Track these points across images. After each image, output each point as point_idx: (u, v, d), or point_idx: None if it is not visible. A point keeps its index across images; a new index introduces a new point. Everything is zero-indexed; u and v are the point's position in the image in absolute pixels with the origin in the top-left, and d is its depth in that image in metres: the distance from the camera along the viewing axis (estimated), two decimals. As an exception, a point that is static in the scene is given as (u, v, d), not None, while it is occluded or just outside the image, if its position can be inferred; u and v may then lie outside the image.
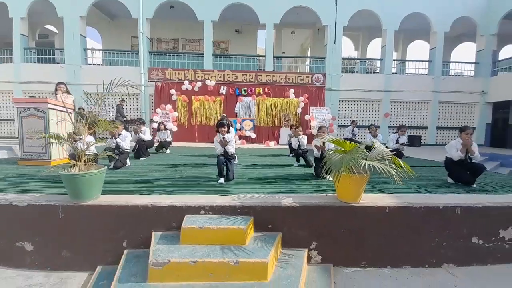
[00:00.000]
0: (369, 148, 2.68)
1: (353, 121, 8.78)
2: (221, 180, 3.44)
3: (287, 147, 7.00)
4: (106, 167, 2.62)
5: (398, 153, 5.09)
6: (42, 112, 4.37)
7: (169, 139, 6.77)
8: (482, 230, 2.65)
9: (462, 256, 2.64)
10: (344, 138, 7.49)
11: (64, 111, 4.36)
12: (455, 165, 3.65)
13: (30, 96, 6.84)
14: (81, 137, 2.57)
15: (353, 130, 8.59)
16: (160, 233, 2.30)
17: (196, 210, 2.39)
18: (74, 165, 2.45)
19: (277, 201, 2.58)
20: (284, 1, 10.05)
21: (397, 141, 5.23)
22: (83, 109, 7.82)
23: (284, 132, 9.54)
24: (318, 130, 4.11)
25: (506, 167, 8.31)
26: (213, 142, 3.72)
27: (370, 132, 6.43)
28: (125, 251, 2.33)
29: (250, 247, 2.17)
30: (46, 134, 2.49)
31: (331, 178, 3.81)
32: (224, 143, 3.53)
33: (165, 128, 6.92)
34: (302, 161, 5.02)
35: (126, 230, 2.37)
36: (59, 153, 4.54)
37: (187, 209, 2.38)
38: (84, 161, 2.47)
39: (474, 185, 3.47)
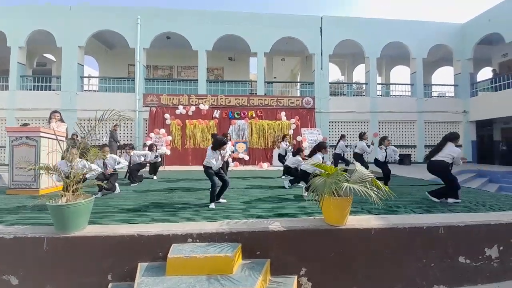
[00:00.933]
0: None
1: (342, 135, 8.01)
2: (212, 205, 3.45)
3: (280, 163, 7.12)
4: (94, 196, 2.64)
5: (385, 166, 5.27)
6: (34, 140, 4.41)
7: (158, 160, 6.71)
8: (468, 249, 2.70)
9: (451, 277, 2.65)
10: (335, 153, 7.51)
11: (55, 139, 4.41)
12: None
13: (24, 123, 6.84)
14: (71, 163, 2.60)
15: (345, 145, 7.86)
16: (146, 264, 2.27)
17: (183, 238, 2.39)
18: (62, 195, 2.46)
19: (265, 226, 2.61)
20: (273, 33, 10.80)
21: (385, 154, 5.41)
22: (77, 135, 7.86)
23: (277, 154, 9.66)
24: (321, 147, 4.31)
25: (495, 183, 8.51)
26: None
27: (361, 139, 6.48)
28: (110, 285, 2.27)
29: (237, 275, 2.15)
30: (36, 166, 2.53)
31: (305, 194, 3.96)
32: (223, 158, 3.74)
33: (157, 149, 6.95)
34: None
35: (111, 262, 2.33)
36: (47, 182, 4.49)
37: (174, 237, 2.38)
38: (72, 191, 2.49)
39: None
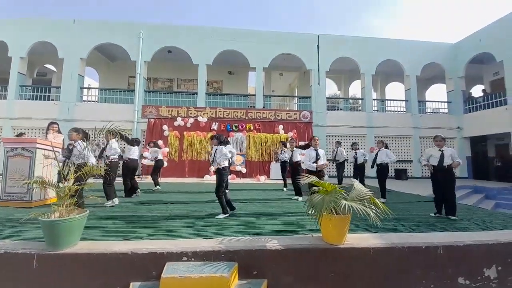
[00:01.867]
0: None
1: (337, 142, 7.84)
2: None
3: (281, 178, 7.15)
4: (88, 211, 2.58)
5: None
6: (30, 152, 4.36)
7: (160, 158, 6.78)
8: (467, 269, 2.66)
9: (451, 299, 2.59)
10: (339, 162, 7.48)
11: (51, 150, 4.37)
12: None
13: (19, 133, 6.76)
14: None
15: (337, 151, 7.52)
16: (138, 284, 2.19)
17: (178, 256, 2.33)
18: (55, 210, 2.40)
19: (262, 244, 2.56)
20: (272, 49, 11.13)
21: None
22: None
23: (275, 167, 9.65)
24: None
25: (491, 200, 8.52)
26: (203, 177, 3.89)
27: (353, 149, 6.84)
28: (99, 305, 2.18)
29: (233, 297, 2.08)
30: (31, 180, 2.49)
31: (295, 198, 4.68)
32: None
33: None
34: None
35: (102, 280, 2.25)
36: (40, 194, 4.40)
37: (168, 255, 2.31)
38: (66, 205, 2.44)
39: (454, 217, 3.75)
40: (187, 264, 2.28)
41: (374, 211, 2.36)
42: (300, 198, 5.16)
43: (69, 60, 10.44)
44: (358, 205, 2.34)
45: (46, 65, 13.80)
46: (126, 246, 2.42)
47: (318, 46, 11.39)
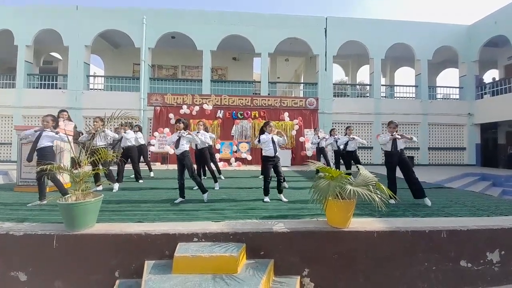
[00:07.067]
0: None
1: (332, 130, 7.01)
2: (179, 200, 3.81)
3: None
4: (102, 194, 2.70)
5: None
6: (43, 139, 4.49)
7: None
8: (470, 253, 2.72)
9: (453, 280, 2.67)
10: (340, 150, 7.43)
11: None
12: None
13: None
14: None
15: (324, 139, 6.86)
16: (152, 262, 2.33)
17: (189, 237, 2.45)
18: (71, 194, 2.53)
19: (269, 227, 2.65)
20: (278, 33, 10.81)
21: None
22: (82, 133, 7.97)
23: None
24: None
25: (498, 187, 8.46)
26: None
27: (346, 134, 6.46)
28: (117, 282, 2.33)
29: (242, 275, 2.20)
30: (47, 166, 2.60)
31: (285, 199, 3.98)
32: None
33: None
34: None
35: (119, 259, 2.40)
36: (56, 179, 4.58)
37: (180, 236, 2.44)
38: (82, 190, 2.56)
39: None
40: (198, 244, 2.40)
41: (379, 196, 2.39)
42: (266, 199, 3.94)
43: (74, 47, 10.41)
44: (364, 190, 2.38)
45: (51, 53, 13.82)
46: (140, 227, 2.55)
47: (325, 29, 11.00)
